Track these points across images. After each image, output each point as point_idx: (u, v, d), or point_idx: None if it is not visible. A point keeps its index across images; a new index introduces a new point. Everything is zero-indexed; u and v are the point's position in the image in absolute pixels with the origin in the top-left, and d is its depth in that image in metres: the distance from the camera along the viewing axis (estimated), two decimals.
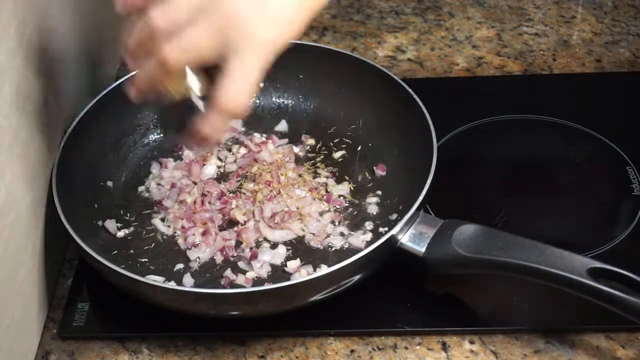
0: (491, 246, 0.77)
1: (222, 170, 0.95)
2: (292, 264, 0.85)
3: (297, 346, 0.81)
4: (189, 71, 0.71)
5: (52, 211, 0.82)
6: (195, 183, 0.92)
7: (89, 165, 0.91)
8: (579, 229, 0.88)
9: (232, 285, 0.83)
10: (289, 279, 0.83)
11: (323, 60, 0.98)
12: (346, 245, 0.86)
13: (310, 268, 0.84)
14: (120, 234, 0.89)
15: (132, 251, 0.87)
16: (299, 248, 0.87)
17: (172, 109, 0.74)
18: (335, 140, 0.97)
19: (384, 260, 0.80)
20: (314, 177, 0.93)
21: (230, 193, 0.91)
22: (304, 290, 0.78)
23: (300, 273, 0.84)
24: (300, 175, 0.92)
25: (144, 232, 0.89)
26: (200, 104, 0.73)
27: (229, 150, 0.97)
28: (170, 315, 0.80)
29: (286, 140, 0.97)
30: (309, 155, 0.96)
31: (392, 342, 0.81)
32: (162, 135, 0.99)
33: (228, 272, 0.84)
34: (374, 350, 0.80)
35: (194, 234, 0.87)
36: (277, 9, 0.68)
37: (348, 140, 0.97)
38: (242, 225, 0.88)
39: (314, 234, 0.87)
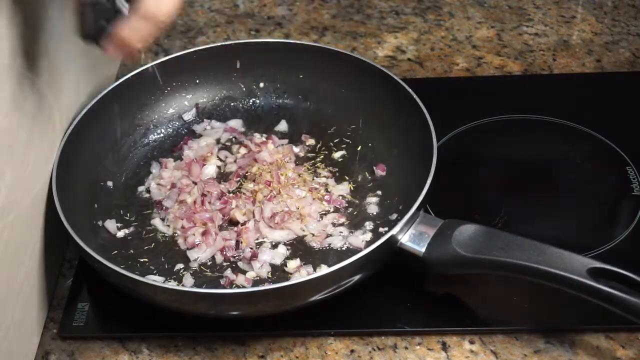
0: (491, 246, 0.77)
1: (222, 170, 0.95)
2: (292, 264, 0.85)
3: (297, 346, 0.81)
4: None
5: (52, 211, 0.82)
6: (195, 183, 0.92)
7: (89, 165, 0.91)
8: (579, 229, 0.88)
9: (232, 285, 0.83)
10: (289, 279, 0.83)
11: (323, 60, 0.98)
12: (346, 245, 0.86)
13: (310, 268, 0.84)
14: (120, 234, 0.89)
15: (132, 251, 0.87)
16: (299, 248, 0.87)
17: (90, 11, 0.72)
18: (335, 140, 0.97)
19: (384, 260, 0.80)
20: (314, 177, 0.93)
21: (230, 193, 0.91)
22: (304, 290, 0.78)
23: (300, 273, 0.84)
24: (300, 175, 0.92)
25: (144, 232, 0.89)
26: (125, 5, 0.71)
27: (229, 150, 0.97)
28: (170, 315, 0.80)
29: (286, 140, 0.97)
30: (309, 155, 0.96)
31: (392, 342, 0.81)
32: (162, 134, 0.99)
33: (228, 272, 0.84)
34: (374, 350, 0.80)
35: (194, 234, 0.87)
36: None
37: (348, 140, 0.97)
38: (242, 225, 0.88)
39: (314, 234, 0.87)
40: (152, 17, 0.69)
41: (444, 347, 0.80)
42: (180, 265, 0.86)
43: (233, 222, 0.89)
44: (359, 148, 0.96)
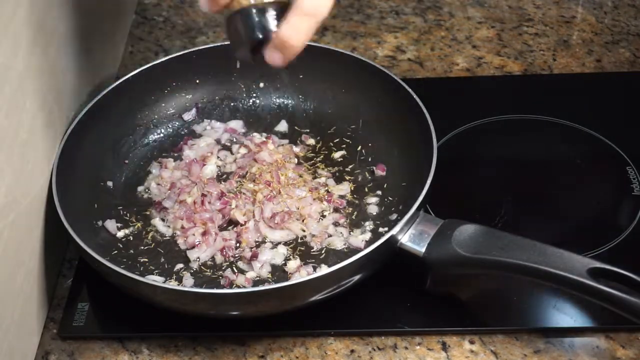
0: (491, 246, 0.77)
1: (222, 170, 0.95)
2: (292, 264, 0.85)
3: (297, 346, 0.81)
4: None
5: (52, 211, 0.82)
6: (195, 183, 0.92)
7: (89, 165, 0.91)
8: (579, 229, 0.88)
9: (232, 285, 0.83)
10: (289, 279, 0.83)
11: (323, 60, 0.98)
12: (346, 246, 0.86)
13: (310, 268, 0.84)
14: (120, 234, 0.89)
15: (132, 251, 0.87)
16: (299, 248, 0.87)
17: (237, 21, 0.72)
18: (335, 140, 0.97)
19: (384, 260, 0.80)
20: (314, 177, 0.93)
21: (230, 193, 0.91)
22: (304, 290, 0.78)
23: (300, 273, 0.84)
24: (300, 176, 0.92)
25: (144, 232, 0.89)
26: (272, 12, 0.71)
27: (229, 150, 0.97)
28: (170, 315, 0.80)
29: (286, 140, 0.97)
30: (309, 155, 0.96)
31: (392, 342, 0.81)
32: (162, 134, 0.99)
33: (228, 272, 0.84)
34: (374, 350, 0.80)
35: (194, 234, 0.87)
36: None
37: (348, 140, 0.97)
38: (242, 225, 0.88)
39: (314, 235, 0.87)
40: (313, 12, 0.68)
41: (444, 347, 0.80)
42: (180, 265, 0.86)
43: (233, 222, 0.89)
44: (359, 148, 0.96)
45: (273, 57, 0.72)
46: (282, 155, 0.94)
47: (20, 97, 0.78)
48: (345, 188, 0.92)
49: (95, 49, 1.01)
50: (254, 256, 0.85)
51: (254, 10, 0.71)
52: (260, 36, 0.71)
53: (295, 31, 0.70)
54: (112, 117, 0.95)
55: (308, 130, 0.98)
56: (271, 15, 0.71)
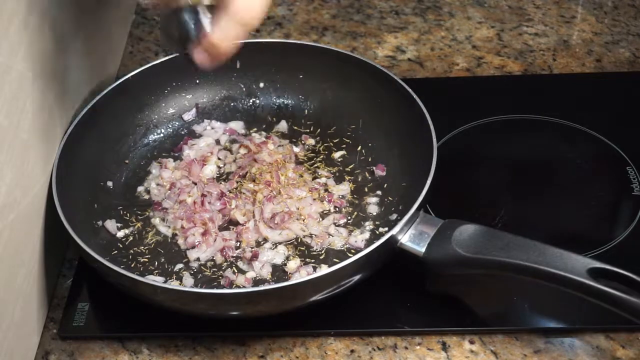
0: (491, 246, 0.77)
1: (222, 170, 0.95)
2: (292, 264, 0.85)
3: (297, 346, 0.81)
4: None
5: (52, 211, 0.82)
6: (195, 183, 0.92)
7: (89, 165, 0.91)
8: (579, 229, 0.88)
9: (232, 285, 0.83)
10: (289, 279, 0.83)
11: (323, 60, 0.98)
12: (346, 246, 0.86)
13: (310, 268, 0.84)
14: (120, 234, 0.89)
15: (132, 251, 0.87)
16: (299, 248, 0.87)
17: (173, 19, 0.74)
18: (335, 140, 0.97)
19: (384, 260, 0.80)
20: (314, 178, 0.93)
21: (230, 193, 0.91)
22: (304, 290, 0.78)
23: (300, 273, 0.84)
24: (300, 176, 0.92)
25: (144, 232, 0.89)
26: (207, 15, 0.72)
27: (229, 150, 0.97)
28: (170, 315, 0.80)
29: (286, 140, 0.97)
30: (309, 155, 0.96)
31: (392, 342, 0.81)
32: (162, 134, 0.99)
33: (228, 272, 0.84)
34: (374, 350, 0.80)
35: (193, 234, 0.87)
36: None
37: (348, 140, 0.97)
38: (242, 225, 0.88)
39: (314, 235, 0.87)
40: (242, 17, 0.70)
41: (444, 347, 0.80)
42: (180, 265, 0.86)
43: (233, 222, 0.89)
44: (359, 148, 0.96)
45: (201, 57, 0.74)
46: (282, 155, 0.94)
47: (20, 97, 0.78)
48: (345, 188, 0.92)
49: (95, 49, 1.01)
50: (254, 256, 0.85)
51: (191, 11, 0.73)
52: (195, 37, 0.73)
53: (225, 37, 0.72)
54: (112, 117, 0.95)
55: (308, 130, 0.98)
56: (207, 17, 0.73)
